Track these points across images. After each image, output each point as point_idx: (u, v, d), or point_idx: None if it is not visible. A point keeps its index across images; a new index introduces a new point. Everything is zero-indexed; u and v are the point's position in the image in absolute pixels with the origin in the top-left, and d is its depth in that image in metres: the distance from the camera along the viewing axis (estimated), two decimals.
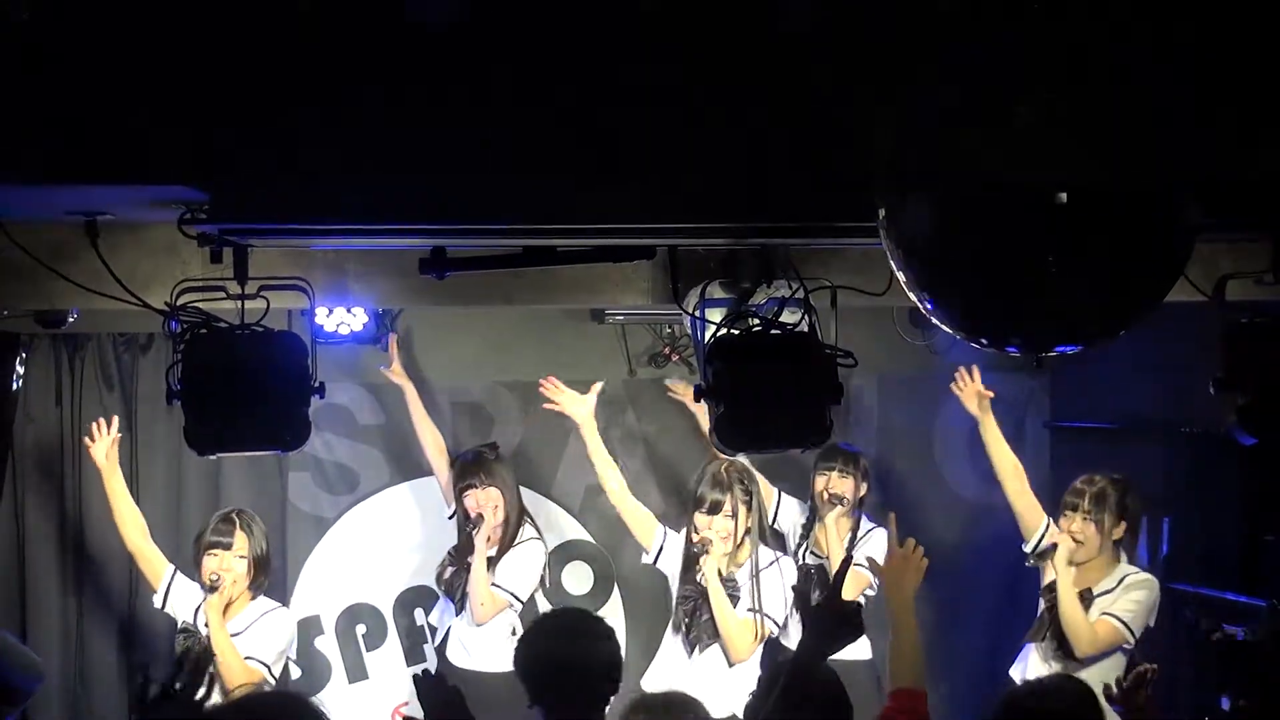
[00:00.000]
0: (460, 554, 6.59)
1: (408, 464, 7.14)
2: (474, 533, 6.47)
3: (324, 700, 7.03)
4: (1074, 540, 6.05)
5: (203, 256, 4.82)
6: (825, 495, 6.56)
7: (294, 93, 3.92)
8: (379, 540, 7.25)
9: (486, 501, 6.52)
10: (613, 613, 7.28)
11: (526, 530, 6.64)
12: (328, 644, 7.25)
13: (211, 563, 5.91)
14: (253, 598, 6.02)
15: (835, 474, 6.57)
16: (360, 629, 7.26)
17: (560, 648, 4.16)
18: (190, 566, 6.10)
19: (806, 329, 4.87)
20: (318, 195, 4.06)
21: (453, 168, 4.02)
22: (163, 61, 3.86)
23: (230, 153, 3.96)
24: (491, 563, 6.49)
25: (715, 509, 6.22)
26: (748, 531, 6.29)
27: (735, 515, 6.23)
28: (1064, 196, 2.81)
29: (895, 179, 3.12)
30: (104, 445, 6.00)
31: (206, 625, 5.83)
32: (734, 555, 6.31)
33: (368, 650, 7.24)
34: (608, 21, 3.95)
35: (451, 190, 4.08)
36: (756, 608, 6.24)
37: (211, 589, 5.87)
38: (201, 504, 6.97)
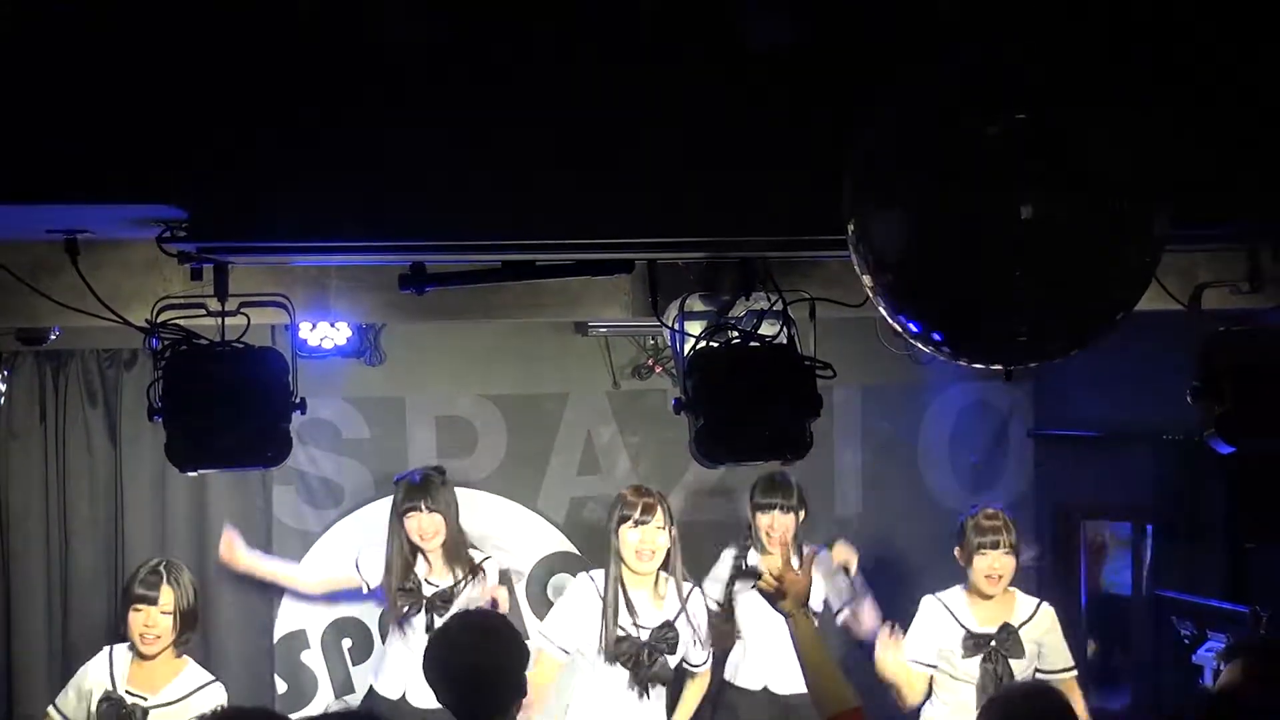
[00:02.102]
0: (414, 591, 6.51)
1: (392, 478, 7.16)
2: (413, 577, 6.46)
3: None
4: (990, 576, 6.10)
5: (184, 273, 4.82)
6: (769, 535, 6.48)
7: (272, 110, 3.92)
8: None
9: (429, 528, 6.47)
10: None
11: (473, 555, 6.62)
12: (314, 658, 7.24)
13: (137, 619, 5.78)
14: (177, 655, 5.87)
15: (778, 511, 6.50)
16: (346, 643, 7.25)
17: (473, 651, 4.18)
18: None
19: (785, 341, 4.88)
20: (296, 213, 4.06)
21: (432, 183, 4.03)
22: (140, 79, 3.85)
23: (209, 171, 3.96)
24: (448, 596, 6.46)
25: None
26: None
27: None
28: (1029, 210, 2.83)
29: (864, 192, 3.15)
30: None
31: (131, 693, 5.77)
32: (655, 590, 6.32)
33: (354, 664, 7.23)
34: (589, 37, 3.97)
35: (431, 206, 4.09)
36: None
37: (138, 652, 5.79)
38: (187, 519, 6.97)
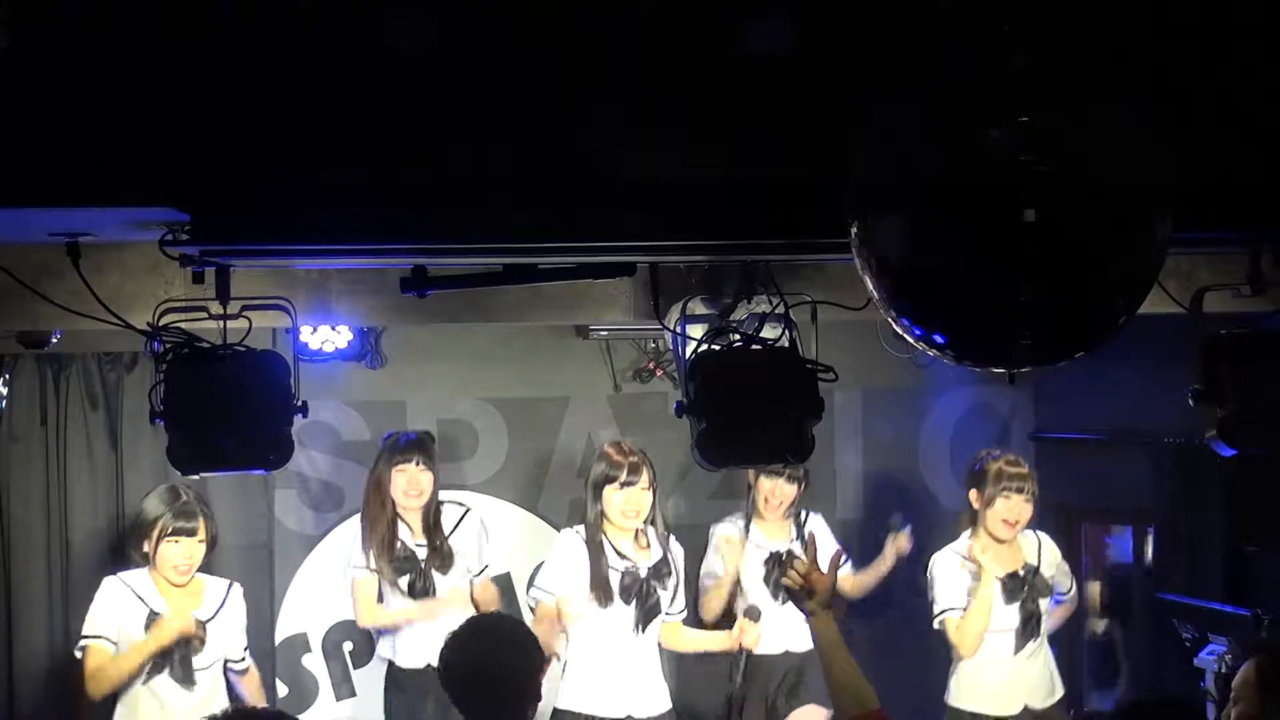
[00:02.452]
0: (410, 558, 6.52)
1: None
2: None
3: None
4: (1008, 521, 6.18)
5: (186, 276, 4.83)
6: (767, 500, 6.62)
7: (274, 114, 3.92)
8: None
9: (419, 484, 6.46)
10: None
11: (451, 511, 6.64)
12: (315, 661, 7.25)
13: (173, 552, 5.80)
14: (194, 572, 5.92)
15: (783, 480, 6.59)
16: (347, 646, 7.25)
17: (484, 655, 4.17)
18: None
19: (787, 344, 4.88)
20: (298, 216, 4.07)
21: (432, 184, 4.03)
22: (143, 83, 3.85)
23: (209, 172, 3.96)
24: (440, 552, 6.48)
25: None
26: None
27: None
28: (1032, 213, 2.83)
29: (866, 194, 3.14)
30: None
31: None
32: (637, 541, 6.33)
33: (355, 667, 7.24)
34: (589, 39, 3.97)
35: (432, 209, 4.09)
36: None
37: (168, 582, 5.81)
38: None
